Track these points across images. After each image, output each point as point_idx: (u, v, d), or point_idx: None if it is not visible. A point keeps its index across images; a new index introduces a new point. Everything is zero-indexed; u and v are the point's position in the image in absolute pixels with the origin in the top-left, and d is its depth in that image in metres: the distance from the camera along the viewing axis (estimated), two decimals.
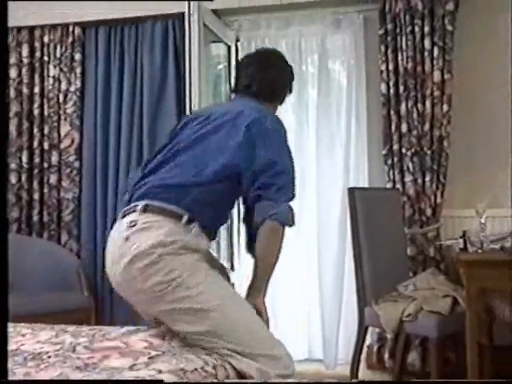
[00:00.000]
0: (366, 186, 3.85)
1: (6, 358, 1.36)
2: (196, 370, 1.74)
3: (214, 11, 3.90)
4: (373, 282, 3.33)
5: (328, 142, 3.99)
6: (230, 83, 4.14)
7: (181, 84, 4.02)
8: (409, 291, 3.34)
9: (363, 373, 3.51)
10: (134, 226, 1.99)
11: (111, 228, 2.12)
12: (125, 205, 2.12)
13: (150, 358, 1.82)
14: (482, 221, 3.05)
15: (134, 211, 2.03)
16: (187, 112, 3.96)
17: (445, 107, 3.65)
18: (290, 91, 2.41)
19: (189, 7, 3.59)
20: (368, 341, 3.65)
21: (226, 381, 1.82)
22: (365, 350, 3.52)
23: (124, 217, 2.06)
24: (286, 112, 3.71)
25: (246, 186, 2.08)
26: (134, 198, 2.10)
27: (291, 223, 2.09)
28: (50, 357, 1.85)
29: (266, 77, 2.29)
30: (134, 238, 1.97)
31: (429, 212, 3.67)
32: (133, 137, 4.10)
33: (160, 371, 1.69)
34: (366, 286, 3.32)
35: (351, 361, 3.34)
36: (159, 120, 4.06)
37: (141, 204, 2.03)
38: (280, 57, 2.42)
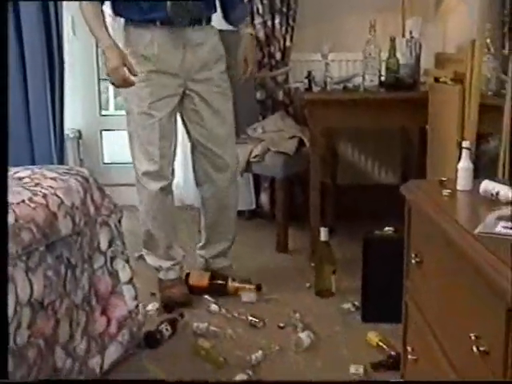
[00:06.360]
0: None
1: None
2: (23, 201, 1.65)
3: None
4: None
5: None
6: None
7: None
8: (257, 134, 3.38)
9: None
10: None
11: None
12: None
13: None
14: (327, 61, 3.07)
15: None
16: None
17: None
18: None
19: None
20: None
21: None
22: None
23: None
24: None
25: None
26: None
27: None
28: None
29: None
30: None
31: (278, 56, 3.64)
32: None
33: None
34: None
35: None
36: None
37: None
38: None
